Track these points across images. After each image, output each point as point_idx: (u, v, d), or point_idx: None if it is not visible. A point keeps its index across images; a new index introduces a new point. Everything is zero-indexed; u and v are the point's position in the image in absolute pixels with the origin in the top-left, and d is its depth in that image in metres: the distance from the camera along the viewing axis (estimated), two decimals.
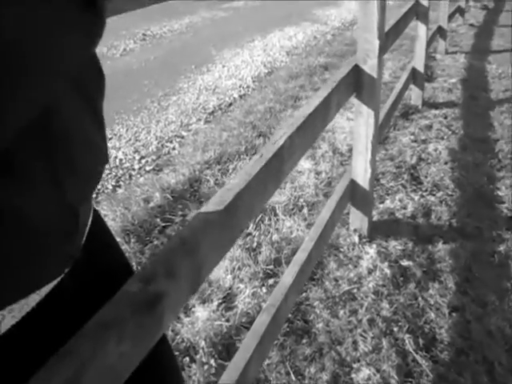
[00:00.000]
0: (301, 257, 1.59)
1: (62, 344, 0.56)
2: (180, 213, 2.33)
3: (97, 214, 0.70)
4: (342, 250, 2.09)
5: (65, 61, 0.35)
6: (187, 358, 1.58)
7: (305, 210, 2.36)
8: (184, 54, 5.90)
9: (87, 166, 0.53)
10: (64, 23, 0.34)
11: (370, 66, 1.79)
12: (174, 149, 3.23)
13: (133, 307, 0.66)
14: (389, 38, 2.26)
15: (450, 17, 5.62)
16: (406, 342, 1.65)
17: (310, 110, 1.35)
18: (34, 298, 0.54)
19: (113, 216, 2.29)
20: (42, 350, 0.56)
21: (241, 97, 4.29)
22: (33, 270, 0.50)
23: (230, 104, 4.10)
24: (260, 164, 1.05)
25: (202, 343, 1.61)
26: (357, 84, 1.83)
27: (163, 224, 2.24)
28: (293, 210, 2.37)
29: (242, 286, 1.88)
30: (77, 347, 0.59)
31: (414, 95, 3.65)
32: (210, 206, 0.89)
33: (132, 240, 2.13)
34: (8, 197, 0.42)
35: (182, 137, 3.43)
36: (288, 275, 1.51)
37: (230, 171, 2.73)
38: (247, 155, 2.93)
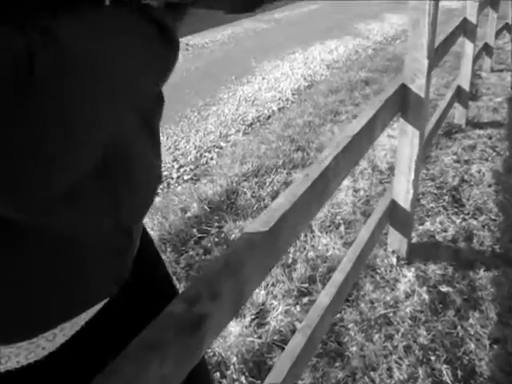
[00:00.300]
0: (338, 278, 1.56)
1: (109, 361, 0.56)
2: (216, 224, 2.33)
3: (143, 227, 0.71)
4: (378, 271, 2.04)
5: (141, 92, 0.36)
6: (218, 374, 1.57)
7: (342, 228, 2.32)
8: (225, 65, 5.97)
9: (144, 187, 0.53)
10: (148, 56, 0.34)
11: (417, 86, 1.75)
12: (212, 159, 3.26)
13: (176, 328, 0.66)
14: (436, 56, 2.22)
15: (497, 34, 5.47)
16: (444, 372, 1.58)
17: (356, 130, 1.33)
18: (84, 317, 0.55)
19: (151, 225, 2.32)
20: (88, 366, 0.57)
21: (280, 109, 4.29)
22: (85, 289, 0.51)
23: (269, 116, 4.11)
24: (306, 185, 1.04)
25: (234, 359, 1.60)
26: (403, 103, 1.79)
27: (199, 235, 2.25)
28: (329, 227, 2.34)
29: (275, 302, 1.86)
30: (121, 367, 0.59)
31: (458, 114, 3.56)
32: (254, 226, 0.89)
33: (168, 249, 2.14)
34: (70, 221, 0.42)
35: (221, 147, 3.46)
36: (325, 296, 1.48)
37: (267, 184, 2.73)
38: (285, 169, 2.92)
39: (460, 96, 3.51)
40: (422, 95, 1.76)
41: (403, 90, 1.77)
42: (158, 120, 0.57)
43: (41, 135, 0.27)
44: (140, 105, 0.38)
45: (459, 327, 1.76)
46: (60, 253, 0.44)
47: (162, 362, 0.63)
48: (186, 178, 2.97)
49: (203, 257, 2.11)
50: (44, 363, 0.50)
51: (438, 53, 2.24)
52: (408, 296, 1.90)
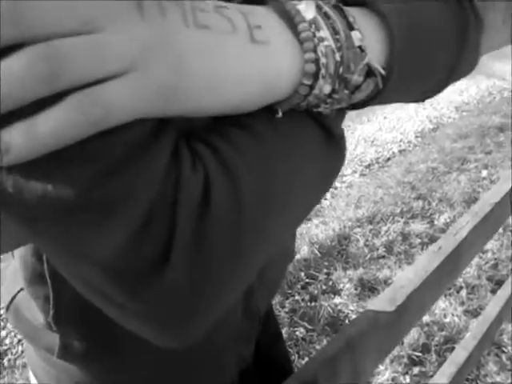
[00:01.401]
0: (459, 356, 1.39)
1: None
2: (325, 270, 2.26)
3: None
4: (505, 350, 1.80)
5: (314, 205, 0.33)
6: None
7: (463, 293, 2.11)
8: None
9: (277, 272, 0.51)
10: (321, 168, 0.31)
11: None
12: (325, 199, 3.21)
13: None
14: None
15: None
16: None
17: (499, 198, 1.19)
18: None
19: None
20: None
21: (400, 152, 4.11)
22: (211, 374, 0.49)
23: (389, 159, 3.96)
24: (439, 259, 0.94)
25: None
26: None
27: (307, 280, 2.19)
28: (449, 289, 2.14)
29: (381, 367, 1.73)
30: None
31: None
32: (379, 304, 0.82)
33: None
34: None
35: (335, 188, 3.39)
36: (442, 375, 1.33)
37: (382, 233, 2.59)
38: (402, 218, 2.76)
39: None
40: None
41: None
42: None
43: (218, 266, 0.25)
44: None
45: None
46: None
47: None
48: None
49: (308, 303, 2.05)
50: None
51: None
52: None
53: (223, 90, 0.25)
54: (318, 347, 1.87)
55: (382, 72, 0.29)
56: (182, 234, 0.24)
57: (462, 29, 0.36)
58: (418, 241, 2.52)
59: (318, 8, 0.29)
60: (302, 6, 0.28)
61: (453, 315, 1.96)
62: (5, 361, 1.92)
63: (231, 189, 0.25)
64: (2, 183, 0.22)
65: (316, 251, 2.40)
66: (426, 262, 0.94)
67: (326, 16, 0.28)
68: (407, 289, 0.85)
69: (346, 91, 0.29)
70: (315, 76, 0.28)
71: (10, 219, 0.23)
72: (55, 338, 0.46)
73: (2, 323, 2.06)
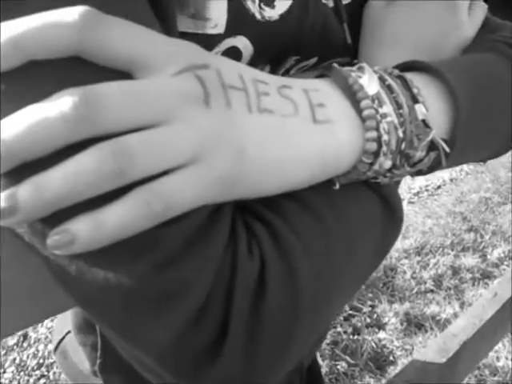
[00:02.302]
0: None
1: None
2: (369, 302, 2.20)
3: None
4: None
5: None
6: None
7: None
8: None
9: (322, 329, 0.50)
10: (378, 239, 0.30)
11: None
12: None
13: None
14: None
15: None
16: None
17: None
18: None
19: None
20: None
21: (452, 180, 3.98)
22: None
23: (439, 187, 3.83)
24: (494, 306, 0.89)
25: None
26: None
27: (350, 311, 2.14)
28: None
29: None
30: None
31: None
32: (428, 353, 0.78)
33: None
34: None
35: None
36: None
37: (431, 266, 2.50)
38: (452, 250, 2.65)
39: None
40: None
41: None
42: None
43: (270, 355, 0.25)
44: None
45: None
46: None
47: None
48: None
49: (351, 336, 1.99)
50: None
51: None
52: None
53: (284, 172, 0.25)
54: (359, 383, 1.81)
55: (447, 149, 0.28)
56: (236, 325, 0.23)
57: None
58: (469, 276, 2.42)
59: (381, 80, 0.28)
60: (364, 80, 0.27)
61: (506, 359, 1.85)
62: (50, 374, 1.98)
63: (288, 278, 0.25)
64: (66, 267, 0.22)
65: None
66: (480, 309, 0.89)
67: (389, 89, 0.28)
68: (459, 338, 0.81)
69: (408, 167, 0.28)
70: (376, 154, 0.27)
71: (70, 297, 0.24)
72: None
73: (49, 336, 2.13)
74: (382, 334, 2.02)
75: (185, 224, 0.23)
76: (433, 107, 0.29)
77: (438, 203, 3.38)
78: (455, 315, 2.11)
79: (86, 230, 0.21)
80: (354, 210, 0.29)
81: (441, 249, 2.66)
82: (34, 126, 0.19)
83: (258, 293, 0.24)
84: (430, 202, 3.43)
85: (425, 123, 0.28)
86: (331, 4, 0.38)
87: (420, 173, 0.33)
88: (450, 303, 2.21)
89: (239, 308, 0.24)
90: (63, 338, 0.51)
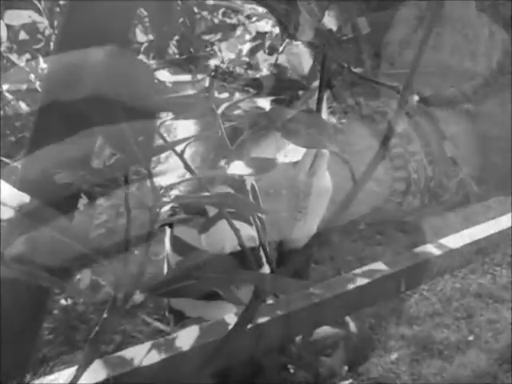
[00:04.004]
0: None
1: None
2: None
3: None
4: None
5: None
6: None
7: None
8: None
9: None
10: None
11: None
12: None
13: None
14: None
15: None
16: None
17: None
18: None
19: None
20: None
21: None
22: None
23: None
24: None
25: None
26: None
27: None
28: None
29: None
30: None
31: None
32: None
33: None
34: None
35: None
36: None
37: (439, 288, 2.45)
38: (460, 272, 2.60)
39: None
40: None
41: None
42: None
43: None
44: None
45: None
46: None
47: None
48: None
49: None
50: None
51: None
52: None
53: None
54: None
55: (475, 190, 0.27)
56: None
57: None
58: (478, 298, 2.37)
59: (409, 116, 0.27)
60: (393, 117, 0.27)
61: None
62: None
63: None
64: None
65: None
66: None
67: (416, 125, 0.27)
68: None
69: (437, 206, 0.27)
70: (404, 193, 0.26)
71: None
72: None
73: None
74: (388, 358, 1.98)
75: None
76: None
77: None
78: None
79: None
80: None
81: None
82: None
83: None
84: None
85: (454, 161, 0.27)
86: None
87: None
88: (458, 327, 2.17)
89: None
90: None
